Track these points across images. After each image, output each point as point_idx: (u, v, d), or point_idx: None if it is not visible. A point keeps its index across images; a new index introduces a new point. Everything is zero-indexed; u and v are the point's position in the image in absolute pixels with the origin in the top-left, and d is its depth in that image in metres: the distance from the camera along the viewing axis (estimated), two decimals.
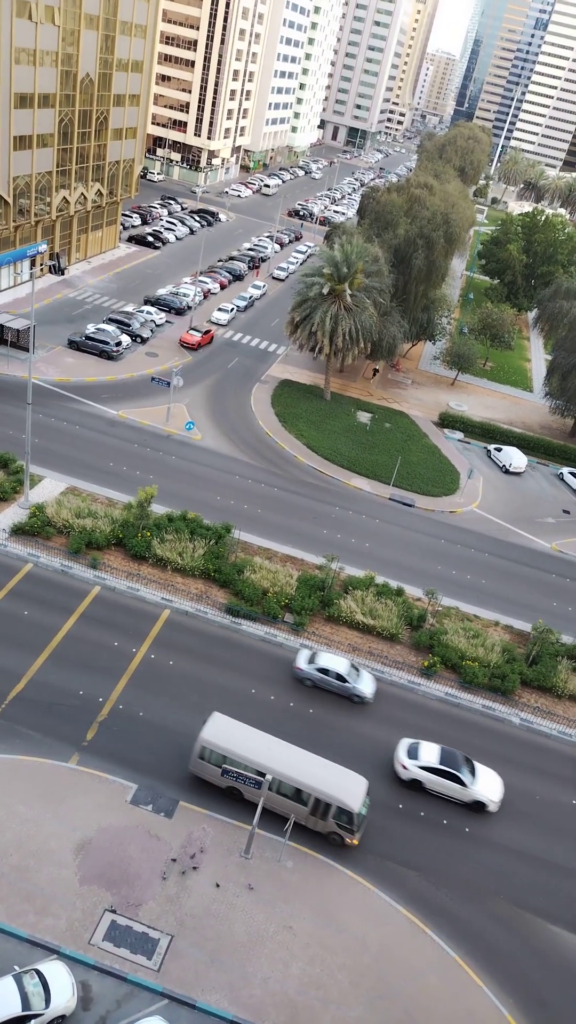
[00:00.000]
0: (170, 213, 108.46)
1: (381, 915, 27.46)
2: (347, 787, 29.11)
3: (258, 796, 29.02)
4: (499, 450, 64.61)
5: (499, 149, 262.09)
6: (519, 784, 34.22)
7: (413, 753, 32.66)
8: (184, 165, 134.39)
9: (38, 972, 22.68)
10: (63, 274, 76.79)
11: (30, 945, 23.97)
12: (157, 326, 71.42)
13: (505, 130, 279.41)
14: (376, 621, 39.98)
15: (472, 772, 32.55)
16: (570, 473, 64.13)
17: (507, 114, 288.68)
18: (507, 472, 62.88)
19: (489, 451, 65.42)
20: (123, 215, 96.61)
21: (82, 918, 24.98)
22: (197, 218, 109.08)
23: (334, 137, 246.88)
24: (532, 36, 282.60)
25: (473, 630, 41.15)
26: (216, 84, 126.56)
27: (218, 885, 26.78)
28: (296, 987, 24.77)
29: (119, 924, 25.08)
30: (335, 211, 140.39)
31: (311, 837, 29.40)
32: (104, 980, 23.75)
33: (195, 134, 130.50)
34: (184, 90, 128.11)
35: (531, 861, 30.98)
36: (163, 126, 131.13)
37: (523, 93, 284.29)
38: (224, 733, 29.89)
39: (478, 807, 32.17)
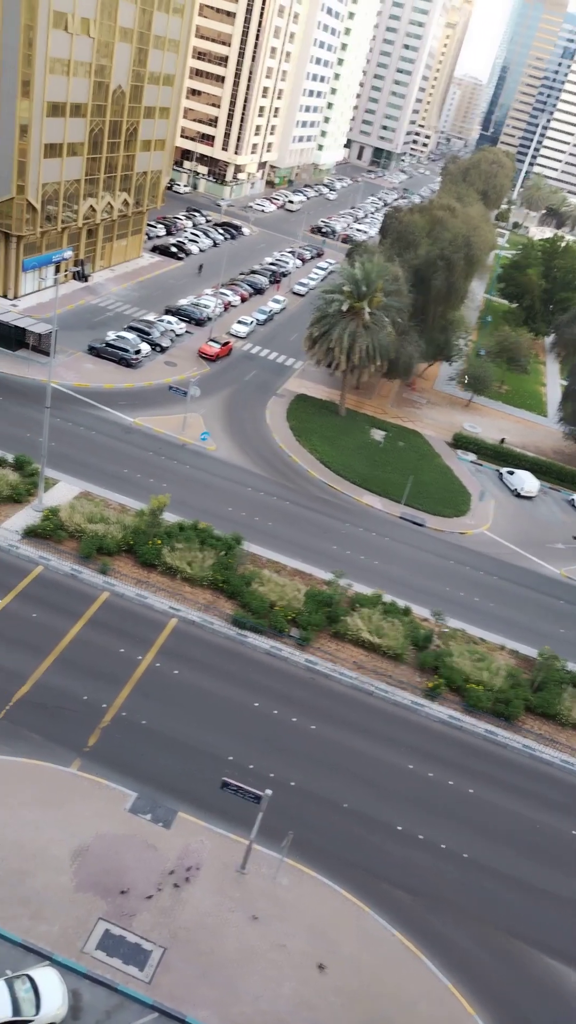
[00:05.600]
0: (195, 225, 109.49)
1: (376, 937, 27.23)
2: None
3: None
4: (511, 473, 64.55)
5: (522, 174, 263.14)
6: (521, 811, 33.95)
7: None
8: (210, 178, 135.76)
9: (30, 978, 22.61)
10: (86, 281, 77.56)
11: (23, 950, 23.90)
12: (177, 336, 71.93)
13: (529, 156, 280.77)
14: (382, 640, 39.87)
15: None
16: None
17: (531, 140, 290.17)
18: (519, 496, 62.76)
19: (501, 474, 65.36)
20: (148, 225, 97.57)
21: (76, 925, 24.89)
22: (221, 231, 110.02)
23: (359, 156, 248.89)
24: (559, 64, 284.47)
25: (479, 653, 40.98)
26: (245, 100, 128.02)
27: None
28: (287, 1007, 24.55)
29: (113, 933, 24.98)
30: (357, 229, 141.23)
31: (310, 855, 29.20)
32: (95, 989, 23.63)
33: (222, 148, 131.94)
34: (213, 104, 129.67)
35: (526, 888, 30.66)
36: (191, 139, 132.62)
37: (548, 120, 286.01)
38: None
39: None
